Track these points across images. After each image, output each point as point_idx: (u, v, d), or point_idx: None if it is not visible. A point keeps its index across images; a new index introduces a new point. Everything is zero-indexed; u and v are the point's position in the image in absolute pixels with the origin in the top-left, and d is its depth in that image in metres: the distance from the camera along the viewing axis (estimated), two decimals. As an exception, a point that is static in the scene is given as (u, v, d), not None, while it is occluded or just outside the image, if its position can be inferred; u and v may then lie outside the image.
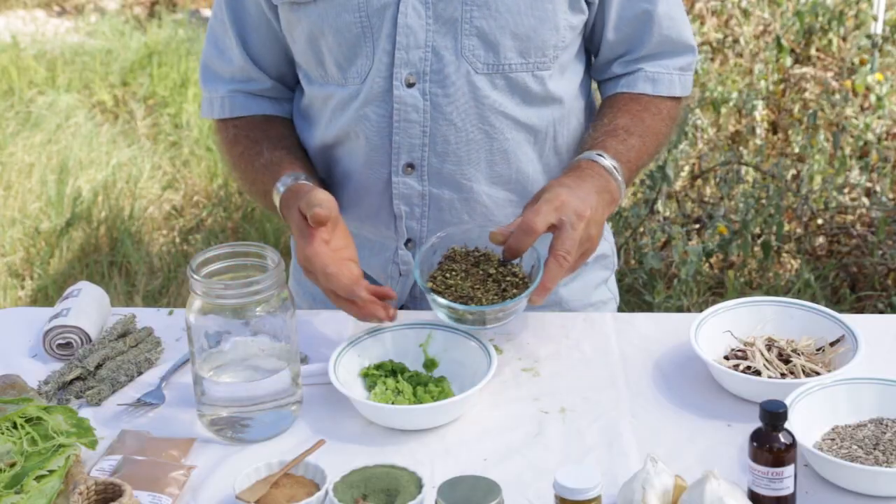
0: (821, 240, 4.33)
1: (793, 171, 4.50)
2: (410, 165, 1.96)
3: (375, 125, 1.95)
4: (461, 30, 1.89)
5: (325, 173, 2.06)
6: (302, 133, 2.07)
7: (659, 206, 4.34)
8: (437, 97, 1.92)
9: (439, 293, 1.77)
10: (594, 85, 2.12)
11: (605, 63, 2.05)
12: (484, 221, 1.98)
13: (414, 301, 2.09)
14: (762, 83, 4.86)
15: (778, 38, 4.92)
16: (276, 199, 1.91)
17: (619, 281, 4.04)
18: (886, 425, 1.66)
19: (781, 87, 4.94)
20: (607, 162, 1.88)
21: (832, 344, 1.83)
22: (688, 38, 2.04)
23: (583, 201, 1.77)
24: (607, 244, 2.18)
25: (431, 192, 1.98)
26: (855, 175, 4.41)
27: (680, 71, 2.04)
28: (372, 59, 1.91)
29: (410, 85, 1.91)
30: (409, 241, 2.02)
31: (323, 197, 1.78)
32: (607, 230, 2.19)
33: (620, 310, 2.26)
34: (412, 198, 1.98)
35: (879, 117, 4.64)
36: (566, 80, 2.00)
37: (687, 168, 4.59)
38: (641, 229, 4.23)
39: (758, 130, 4.74)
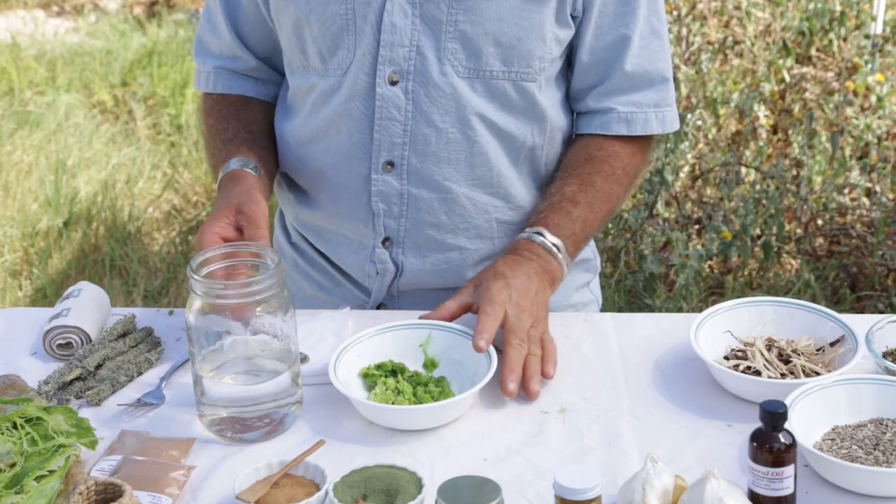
0: (821, 240, 4.33)
1: (792, 172, 4.50)
2: (390, 163, 1.97)
3: (357, 121, 1.95)
4: (444, 32, 1.89)
5: (302, 168, 2.06)
6: (281, 126, 2.07)
7: (659, 207, 4.34)
8: (420, 97, 1.93)
9: None
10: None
11: (579, 91, 2.02)
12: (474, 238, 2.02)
13: (392, 300, 2.08)
14: (765, 85, 4.85)
15: (785, 42, 4.91)
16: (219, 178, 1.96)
17: (619, 283, 4.04)
18: (886, 425, 1.66)
19: (782, 87, 4.93)
20: (548, 241, 1.91)
21: (832, 344, 1.83)
22: (662, 68, 2.00)
23: (520, 293, 1.83)
24: (588, 248, 2.18)
25: (410, 192, 1.98)
26: (855, 175, 4.41)
27: (655, 108, 2.00)
28: (353, 53, 1.92)
29: (394, 83, 1.92)
30: (386, 239, 2.02)
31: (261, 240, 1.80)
32: None
33: (621, 311, 2.26)
34: (391, 196, 1.98)
35: (880, 118, 4.63)
36: (551, 96, 1.99)
37: (687, 169, 4.59)
38: (640, 232, 4.22)
39: (760, 132, 4.74)
